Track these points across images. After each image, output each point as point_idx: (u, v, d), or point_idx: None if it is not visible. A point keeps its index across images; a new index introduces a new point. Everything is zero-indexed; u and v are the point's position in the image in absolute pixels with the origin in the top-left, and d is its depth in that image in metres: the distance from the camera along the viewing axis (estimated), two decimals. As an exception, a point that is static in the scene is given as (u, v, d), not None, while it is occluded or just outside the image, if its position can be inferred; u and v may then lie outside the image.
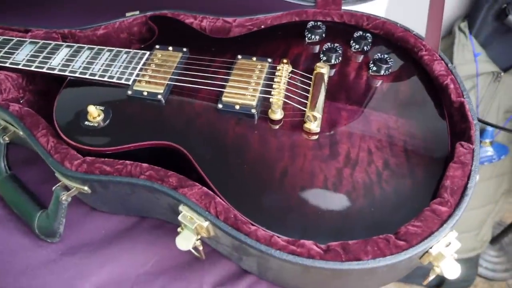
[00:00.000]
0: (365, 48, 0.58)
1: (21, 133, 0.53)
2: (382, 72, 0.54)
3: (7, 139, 0.54)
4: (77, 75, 0.54)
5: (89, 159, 0.47)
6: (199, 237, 0.44)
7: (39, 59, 0.56)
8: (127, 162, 0.47)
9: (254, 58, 0.55)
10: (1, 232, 0.51)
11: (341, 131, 0.48)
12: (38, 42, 0.59)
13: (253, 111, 0.49)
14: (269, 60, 0.55)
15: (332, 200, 0.43)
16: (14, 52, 0.57)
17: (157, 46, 0.58)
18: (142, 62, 0.55)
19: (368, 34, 0.58)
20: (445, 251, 0.39)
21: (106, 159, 0.47)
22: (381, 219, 0.42)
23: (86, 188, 0.47)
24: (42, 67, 0.55)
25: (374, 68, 0.55)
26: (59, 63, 0.55)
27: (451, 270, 0.40)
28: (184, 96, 0.52)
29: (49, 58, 0.56)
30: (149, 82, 0.52)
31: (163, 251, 0.50)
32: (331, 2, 0.65)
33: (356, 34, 0.58)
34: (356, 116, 0.50)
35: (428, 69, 0.55)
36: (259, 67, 0.54)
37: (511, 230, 1.36)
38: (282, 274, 0.44)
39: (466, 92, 0.51)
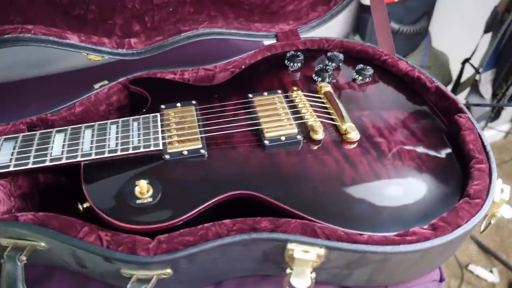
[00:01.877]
0: (340, 64, 0.66)
1: (42, 244, 0.43)
2: (367, 79, 0.63)
3: (24, 258, 0.43)
4: (93, 157, 0.47)
5: (162, 238, 0.42)
6: (312, 269, 0.43)
7: (32, 153, 0.47)
8: (206, 225, 0.43)
9: (266, 93, 0.57)
10: None
11: (372, 133, 0.54)
12: (17, 137, 0.49)
13: (299, 137, 0.51)
14: (279, 91, 0.58)
15: (406, 190, 0.48)
16: (-9, 155, 0.47)
17: (163, 106, 0.55)
18: (158, 124, 0.52)
19: (336, 53, 0.67)
20: (504, 196, 0.48)
21: (181, 230, 0.42)
22: (446, 190, 0.49)
23: (168, 270, 0.42)
24: (43, 161, 0.47)
25: (360, 78, 0.63)
26: (62, 151, 0.48)
27: (508, 211, 0.48)
28: (222, 144, 0.51)
29: (45, 149, 0.48)
30: (182, 141, 0.49)
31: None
32: (290, 34, 0.72)
33: (329, 54, 0.66)
34: (374, 118, 0.57)
35: (394, 69, 0.66)
36: (277, 99, 0.56)
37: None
38: (395, 271, 0.46)
39: (434, 78, 0.63)
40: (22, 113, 0.54)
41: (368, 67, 0.64)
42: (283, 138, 0.51)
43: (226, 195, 0.45)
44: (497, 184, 0.49)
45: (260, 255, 0.45)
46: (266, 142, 0.50)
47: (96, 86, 0.61)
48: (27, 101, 0.58)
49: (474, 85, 1.17)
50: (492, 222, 0.50)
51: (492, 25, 1.14)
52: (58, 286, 0.48)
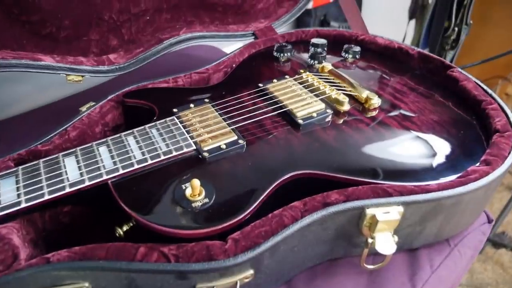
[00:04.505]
0: (325, 49, 0.67)
1: (86, 285, 0.35)
2: (357, 56, 0.65)
3: (67, 308, 0.34)
4: (120, 172, 0.40)
5: (236, 236, 0.36)
6: (392, 232, 0.41)
7: (44, 183, 0.39)
8: (275, 212, 0.39)
9: (275, 80, 0.56)
10: None
11: (388, 97, 0.55)
12: (15, 171, 0.40)
13: (329, 111, 0.50)
14: (287, 76, 0.57)
15: (443, 138, 0.49)
16: (-8, 196, 0.38)
17: (175, 110, 0.50)
18: (180, 126, 0.46)
19: (320, 39, 0.68)
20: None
21: (252, 224, 0.38)
22: (473, 131, 0.51)
23: (251, 271, 0.36)
24: (62, 188, 0.39)
25: (350, 56, 0.65)
26: (81, 173, 0.40)
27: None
28: (256, 133, 0.47)
29: (58, 175, 0.40)
30: (215, 137, 0.45)
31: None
32: (266, 30, 0.72)
33: (313, 41, 0.67)
34: (381, 86, 0.58)
35: (373, 46, 0.69)
36: (289, 83, 0.55)
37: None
38: (462, 216, 0.45)
39: (415, 47, 0.67)
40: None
41: (354, 46, 0.66)
42: (314, 114, 0.49)
43: (284, 178, 0.41)
44: (513, 115, 0.52)
45: (333, 233, 0.41)
46: (300, 121, 0.48)
47: (83, 108, 0.53)
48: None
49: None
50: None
51: (414, 12, 1.28)
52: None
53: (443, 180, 0.43)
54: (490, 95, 0.55)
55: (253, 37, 0.71)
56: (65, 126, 0.50)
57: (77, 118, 0.51)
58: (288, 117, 0.49)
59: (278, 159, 0.44)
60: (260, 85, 0.55)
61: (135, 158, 0.42)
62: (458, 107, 0.55)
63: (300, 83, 0.55)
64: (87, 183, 0.39)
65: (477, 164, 0.45)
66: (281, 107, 0.50)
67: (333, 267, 0.45)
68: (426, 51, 0.65)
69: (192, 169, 0.42)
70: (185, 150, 0.43)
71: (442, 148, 0.47)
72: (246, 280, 0.36)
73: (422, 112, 0.53)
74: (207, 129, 0.46)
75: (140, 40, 0.62)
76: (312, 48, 0.66)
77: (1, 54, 0.49)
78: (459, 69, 0.61)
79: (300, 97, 0.52)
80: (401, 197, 0.40)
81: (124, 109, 0.55)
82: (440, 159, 0.46)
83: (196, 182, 0.38)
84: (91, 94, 0.59)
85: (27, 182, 0.39)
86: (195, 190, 0.38)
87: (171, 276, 0.34)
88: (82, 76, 0.55)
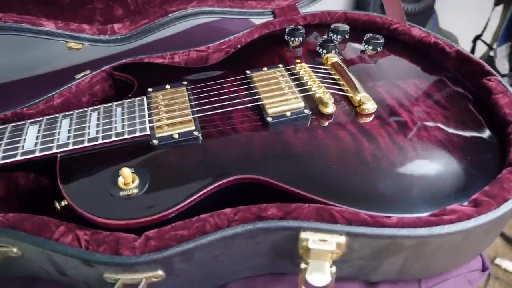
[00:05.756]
0: (346, 36, 0.59)
1: (14, 250, 0.37)
2: (378, 49, 0.56)
3: (-8, 268, 0.37)
4: (70, 148, 0.41)
5: (151, 233, 0.35)
6: (331, 262, 0.36)
7: (2, 148, 0.41)
8: (202, 216, 0.36)
9: (265, 68, 0.51)
10: None
11: (391, 103, 0.47)
12: (-16, 132, 0.43)
13: (307, 111, 0.44)
14: (280, 65, 0.52)
15: (436, 163, 0.41)
16: (-45, 153, 0.41)
17: (150, 89, 0.48)
18: (145, 107, 0.45)
19: (341, 24, 0.60)
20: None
21: (173, 224, 0.36)
22: (482, 161, 0.41)
23: (160, 272, 0.35)
24: (14, 155, 0.40)
25: (370, 47, 0.56)
26: (36, 143, 0.41)
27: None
28: (219, 125, 0.44)
29: (16, 142, 0.42)
30: (172, 124, 0.43)
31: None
32: (288, 9, 0.66)
33: (333, 26, 0.59)
34: (390, 88, 0.50)
35: (406, 37, 0.59)
36: (278, 73, 0.50)
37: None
38: (432, 259, 0.38)
39: (454, 43, 0.56)
40: None
41: (378, 35, 0.57)
42: (288, 113, 0.44)
43: (226, 180, 0.38)
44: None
45: (269, 249, 0.38)
46: (269, 119, 0.44)
47: (78, 76, 0.55)
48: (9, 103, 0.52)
49: (489, 61, 1.10)
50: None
51: (503, -3, 1.07)
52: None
53: (414, 214, 0.36)
54: (525, 115, 0.44)
55: (272, 15, 0.66)
56: (53, 93, 0.51)
57: (66, 87, 0.52)
58: (260, 113, 0.45)
59: (230, 158, 0.41)
60: (248, 72, 0.51)
61: (88, 135, 0.42)
62: (480, 126, 0.45)
63: (291, 75, 0.50)
64: (37, 153, 0.41)
65: (465, 203, 0.37)
66: (256, 100, 0.46)
67: (274, 282, 0.41)
68: (465, 51, 0.54)
69: (138, 156, 0.41)
70: (137, 134, 0.42)
71: (433, 174, 0.39)
72: (155, 280, 0.35)
73: (428, 126, 0.44)
74: (169, 114, 0.44)
75: (147, 12, 0.61)
76: (330, 34, 0.59)
77: (4, 18, 0.51)
78: (499, 79, 0.50)
79: (280, 92, 0.46)
80: (347, 226, 0.35)
81: (115, 82, 0.55)
82: (424, 188, 0.38)
83: (126, 170, 0.37)
84: (103, 64, 0.60)
85: (-14, 145, 0.41)
86: (125, 179, 0.37)
87: (79, 261, 0.34)
88: (82, 44, 0.57)
